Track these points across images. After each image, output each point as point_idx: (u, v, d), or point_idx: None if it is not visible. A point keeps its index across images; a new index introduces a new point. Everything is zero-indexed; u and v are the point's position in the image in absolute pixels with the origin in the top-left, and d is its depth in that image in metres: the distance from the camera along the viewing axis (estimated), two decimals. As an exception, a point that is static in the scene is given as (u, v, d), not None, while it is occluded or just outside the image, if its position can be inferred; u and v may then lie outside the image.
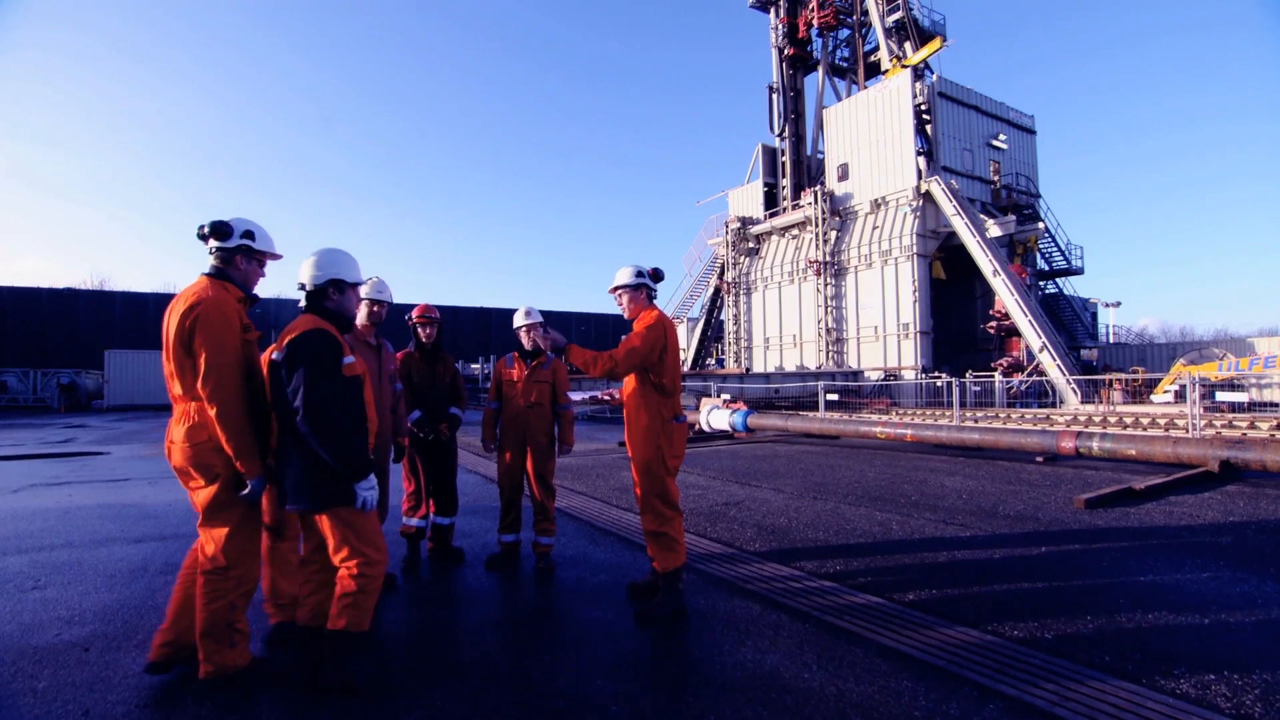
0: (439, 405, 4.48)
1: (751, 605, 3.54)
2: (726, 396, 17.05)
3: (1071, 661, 2.75)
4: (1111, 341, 34.86)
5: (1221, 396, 13.00)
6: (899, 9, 29.52)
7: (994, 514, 5.69)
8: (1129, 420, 14.55)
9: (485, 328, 57.07)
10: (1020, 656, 2.81)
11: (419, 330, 4.52)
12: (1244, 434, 10.60)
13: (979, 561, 4.27)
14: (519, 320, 4.51)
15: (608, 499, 6.72)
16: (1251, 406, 18.39)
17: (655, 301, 3.77)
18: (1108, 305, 35.94)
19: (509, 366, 4.50)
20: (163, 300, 48.51)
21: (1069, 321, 31.62)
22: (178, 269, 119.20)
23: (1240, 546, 4.49)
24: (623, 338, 3.58)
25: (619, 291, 3.67)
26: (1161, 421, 13.74)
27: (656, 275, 3.68)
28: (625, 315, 3.67)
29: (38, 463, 10.29)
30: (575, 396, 4.26)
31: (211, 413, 2.52)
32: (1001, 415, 17.25)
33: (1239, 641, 2.92)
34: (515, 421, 4.37)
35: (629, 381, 3.56)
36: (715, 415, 13.56)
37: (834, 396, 17.21)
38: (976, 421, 14.71)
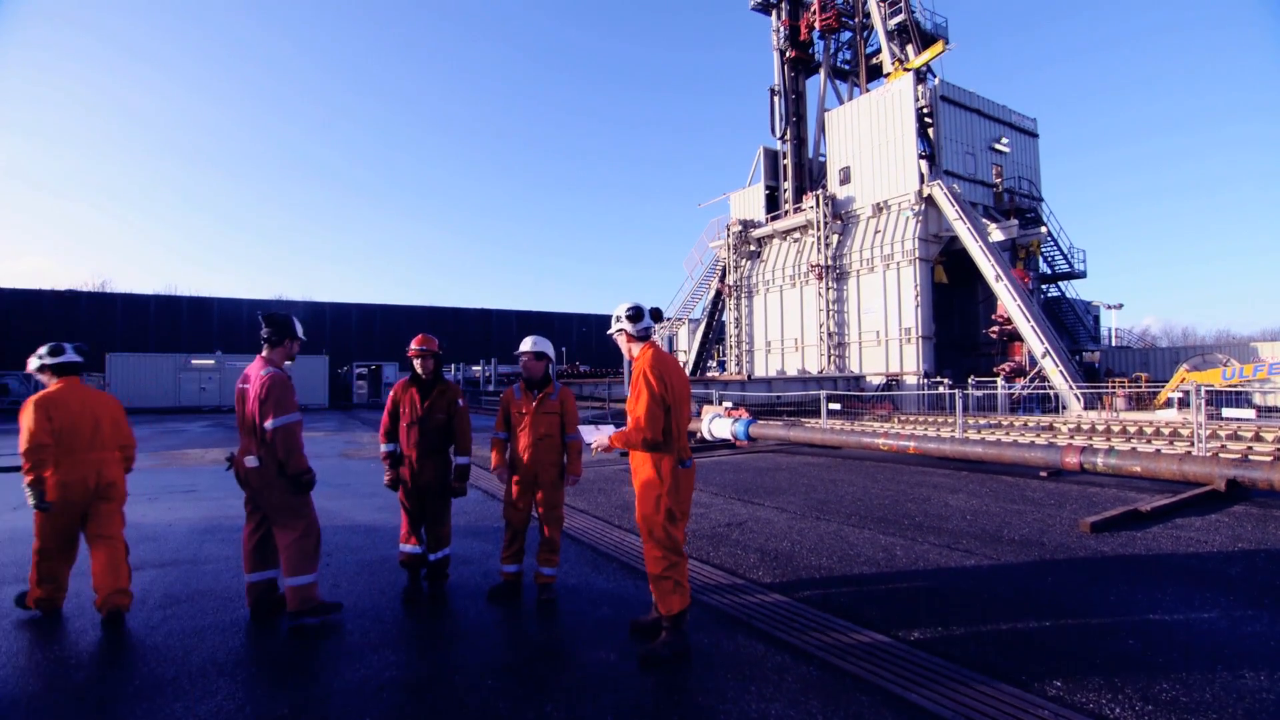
0: (427, 443, 4.38)
1: (755, 644, 3.50)
2: (728, 404, 17.02)
3: (1082, 714, 2.70)
4: (1114, 345, 34.75)
5: (1229, 413, 12.94)
6: (901, 12, 29.47)
7: (998, 538, 5.64)
8: (1132, 429, 14.50)
9: (487, 329, 57.08)
10: (1028, 708, 2.76)
11: (414, 363, 4.47)
12: (1249, 448, 10.53)
13: (984, 595, 4.22)
14: (525, 350, 4.42)
15: (609, 518, 6.67)
16: (1256, 411, 18.34)
17: (654, 331, 3.71)
18: (1109, 307, 35.90)
19: (517, 398, 4.43)
20: (163, 302, 48.57)
21: (1071, 325, 31.56)
22: (178, 269, 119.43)
23: (1251, 579, 4.44)
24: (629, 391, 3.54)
25: (624, 332, 3.65)
26: (1165, 431, 13.68)
27: (632, 316, 3.55)
28: (626, 357, 3.65)
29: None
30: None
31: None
32: (1004, 422, 17.20)
33: (1253, 691, 2.87)
34: (525, 454, 4.32)
35: (629, 423, 3.49)
36: (717, 424, 13.50)
37: (836, 406, 17.15)
38: (979, 430, 14.65)
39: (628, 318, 3.57)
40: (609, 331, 3.69)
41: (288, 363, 4.01)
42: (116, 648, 3.46)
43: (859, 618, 3.86)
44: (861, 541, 5.64)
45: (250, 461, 3.74)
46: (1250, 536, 5.52)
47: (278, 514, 3.79)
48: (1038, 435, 13.31)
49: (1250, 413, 12.95)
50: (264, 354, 3.93)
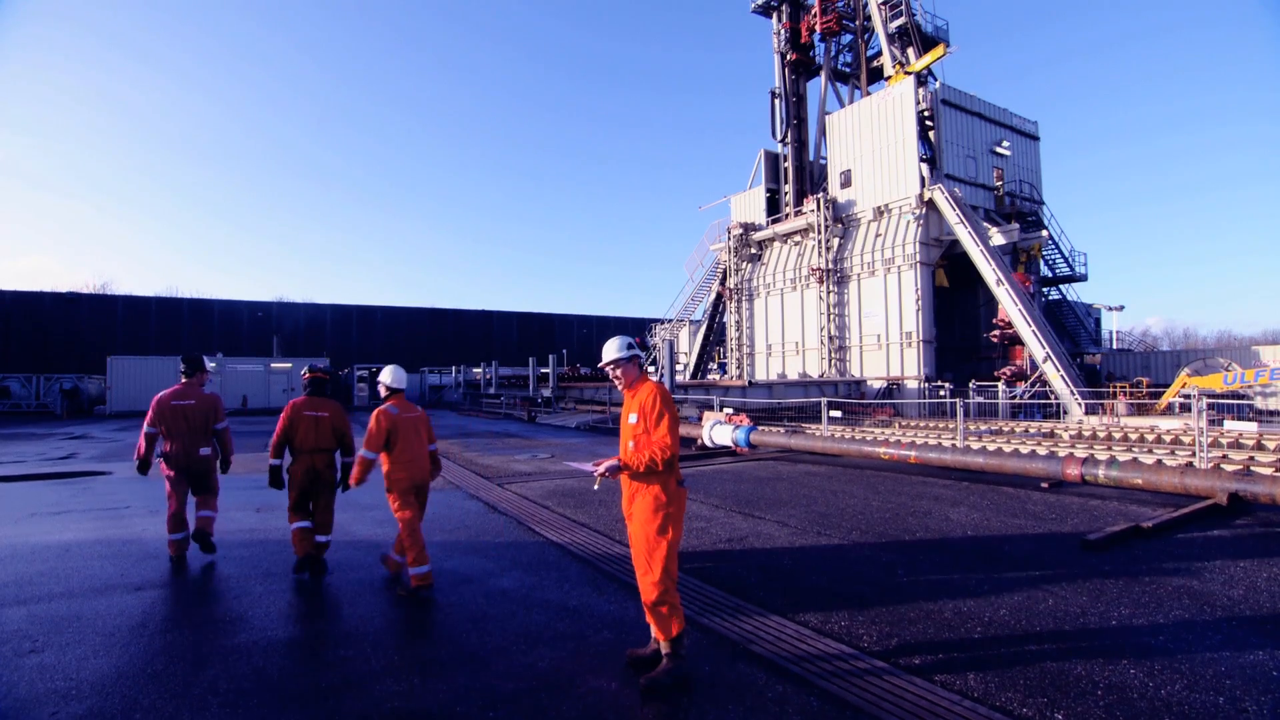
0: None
1: (756, 672, 3.49)
2: (729, 410, 17.01)
3: (1084, 751, 2.70)
4: (1115, 347, 34.74)
5: (1230, 426, 12.93)
6: (901, 15, 29.45)
7: (1000, 555, 5.64)
8: (1134, 436, 14.47)
9: (488, 331, 57.08)
10: (1032, 744, 2.76)
11: None
12: (1251, 458, 10.50)
13: (985, 618, 4.21)
14: (389, 380, 5.16)
15: (610, 533, 6.66)
16: (1257, 416, 18.30)
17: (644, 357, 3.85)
18: (1111, 309, 35.90)
19: None
20: (164, 304, 48.61)
21: (1072, 328, 31.55)
22: (179, 269, 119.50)
23: (1252, 601, 4.43)
24: (630, 418, 3.57)
25: (612, 365, 3.70)
26: (1167, 439, 13.66)
27: (634, 345, 3.76)
28: (619, 386, 3.72)
29: (39, 486, 10.27)
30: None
31: None
32: (1005, 429, 17.18)
33: (1255, 726, 2.87)
34: None
35: (623, 450, 3.52)
36: (718, 430, 13.48)
37: (837, 414, 17.16)
38: (980, 437, 14.64)
39: (635, 348, 3.73)
40: (604, 363, 3.73)
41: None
42: (117, 676, 3.45)
43: (859, 643, 3.86)
44: (862, 559, 5.63)
45: (205, 451, 5.85)
46: (1252, 555, 5.51)
47: (209, 483, 5.92)
48: (1039, 444, 13.28)
49: (1253, 425, 12.91)
50: (188, 380, 5.88)
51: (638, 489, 3.50)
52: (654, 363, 34.79)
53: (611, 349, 3.73)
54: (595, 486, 3.87)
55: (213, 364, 34.44)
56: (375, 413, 4.84)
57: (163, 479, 5.88)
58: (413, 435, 4.89)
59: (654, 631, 3.43)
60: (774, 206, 35.67)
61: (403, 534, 4.83)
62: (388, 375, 5.10)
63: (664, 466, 3.39)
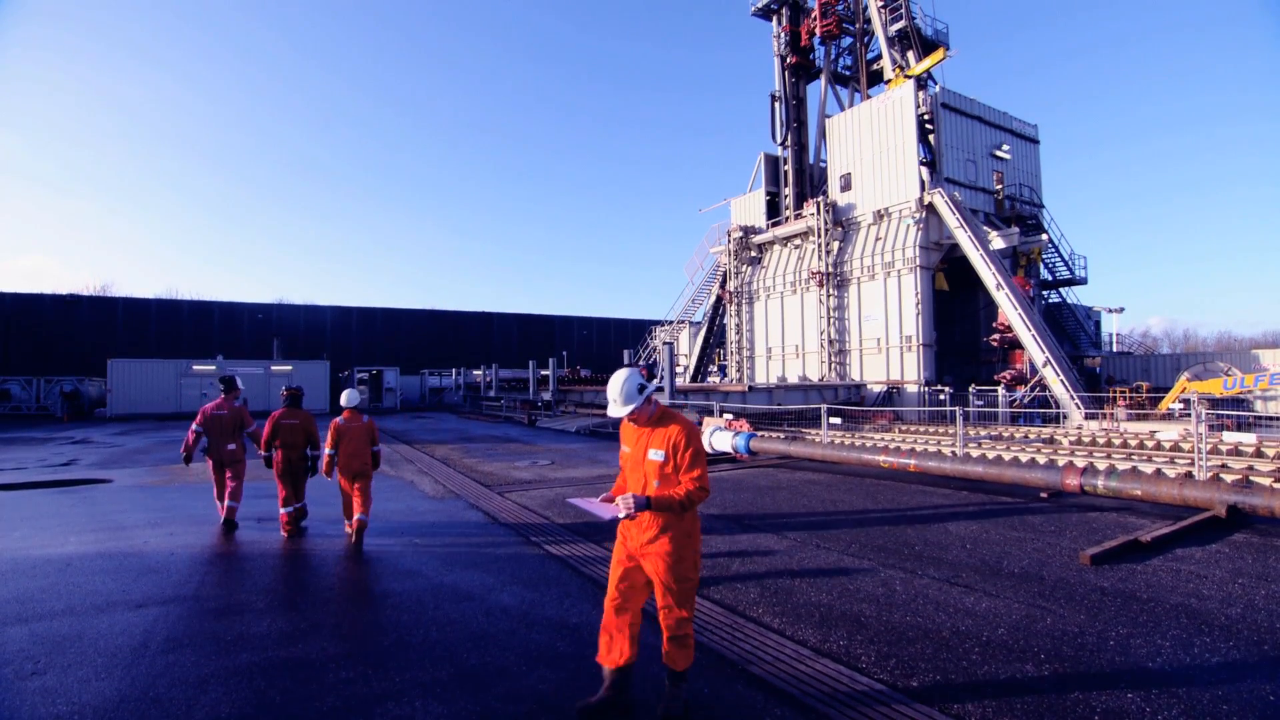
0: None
1: (755, 694, 3.52)
2: (729, 415, 17.01)
3: (1081, 780, 2.71)
4: (1115, 350, 34.75)
5: (1229, 437, 12.95)
6: (901, 18, 29.47)
7: (998, 570, 5.65)
8: (1133, 442, 14.49)
9: (487, 334, 57.08)
10: (1029, 773, 2.77)
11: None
12: (1250, 467, 10.52)
13: (983, 638, 4.23)
14: (344, 401, 7.18)
15: (611, 547, 6.67)
16: (1257, 421, 18.31)
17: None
18: (1111, 311, 35.90)
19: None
20: (164, 306, 48.62)
21: (1072, 331, 31.54)
22: (180, 269, 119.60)
23: (1250, 620, 4.45)
24: (651, 455, 3.42)
25: (633, 412, 3.42)
26: (1166, 445, 13.67)
27: (650, 374, 3.62)
28: (638, 424, 3.50)
29: (39, 495, 10.29)
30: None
31: None
32: (1005, 434, 17.20)
33: (1250, 755, 2.89)
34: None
35: (643, 487, 3.47)
36: (718, 437, 13.52)
37: (837, 421, 17.18)
38: (979, 443, 14.65)
39: (646, 383, 3.47)
40: (630, 412, 3.40)
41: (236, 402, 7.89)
42: (119, 700, 3.47)
43: (857, 663, 3.88)
44: (861, 573, 5.65)
45: (231, 447, 7.70)
46: (1250, 571, 5.53)
47: (236, 470, 7.70)
48: (1038, 450, 13.31)
49: (1252, 436, 12.94)
50: (225, 396, 7.85)
51: (663, 525, 3.38)
52: (654, 365, 34.71)
53: (621, 398, 3.39)
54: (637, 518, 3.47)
55: (211, 366, 34.47)
56: (331, 423, 7.01)
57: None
58: (351, 439, 6.96)
59: (672, 662, 3.38)
60: (774, 209, 35.68)
61: (343, 501, 7.07)
62: (344, 398, 7.24)
63: (695, 505, 3.32)
